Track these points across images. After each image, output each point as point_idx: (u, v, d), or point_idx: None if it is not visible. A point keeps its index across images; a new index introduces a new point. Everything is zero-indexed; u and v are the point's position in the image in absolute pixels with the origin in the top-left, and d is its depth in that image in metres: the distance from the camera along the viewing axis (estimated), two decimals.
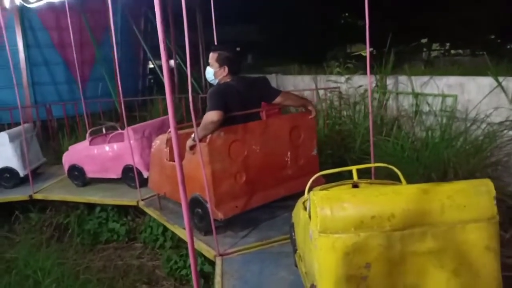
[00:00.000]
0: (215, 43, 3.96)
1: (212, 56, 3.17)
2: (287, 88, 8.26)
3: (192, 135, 2.94)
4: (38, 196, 4.82)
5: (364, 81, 5.76)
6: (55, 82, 8.92)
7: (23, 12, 8.11)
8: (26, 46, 8.32)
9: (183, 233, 3.37)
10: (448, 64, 9.15)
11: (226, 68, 3.14)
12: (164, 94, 7.67)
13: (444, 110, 4.56)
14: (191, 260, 1.67)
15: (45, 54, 8.74)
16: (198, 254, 3.23)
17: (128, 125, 4.38)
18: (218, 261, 2.77)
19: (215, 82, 3.23)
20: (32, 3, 7.85)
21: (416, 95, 5.01)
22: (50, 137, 7.49)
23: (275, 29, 18.86)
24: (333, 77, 6.52)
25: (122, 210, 4.61)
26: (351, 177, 2.18)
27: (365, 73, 6.08)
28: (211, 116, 2.85)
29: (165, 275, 3.83)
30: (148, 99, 9.21)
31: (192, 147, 3.03)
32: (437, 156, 3.77)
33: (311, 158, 3.46)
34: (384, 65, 5.43)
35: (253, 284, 2.48)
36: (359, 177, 2.16)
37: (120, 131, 4.96)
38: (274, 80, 9.29)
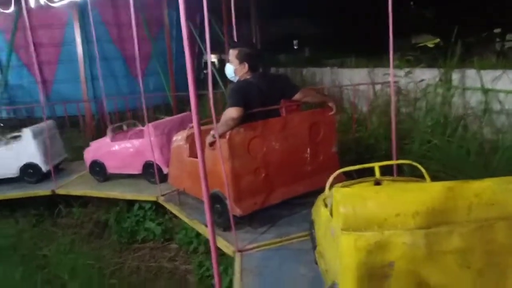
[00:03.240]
0: (235, 40, 3.96)
1: (232, 53, 3.17)
2: (343, 82, 7.77)
3: (212, 132, 2.95)
4: (61, 191, 4.92)
5: (427, 75, 5.23)
6: (113, 76, 9.06)
7: (82, 7, 8.21)
8: (85, 41, 8.45)
9: (203, 229, 3.40)
10: None
11: (246, 65, 3.13)
12: (215, 88, 7.62)
13: None
14: (212, 257, 1.67)
15: (104, 49, 8.79)
16: (230, 267, 3.19)
17: None
18: (237, 257, 2.77)
19: (235, 79, 3.23)
20: (56, 2, 8.01)
21: (485, 91, 4.42)
22: (102, 130, 7.70)
23: (334, 20, 17.96)
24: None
25: (160, 208, 4.56)
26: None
27: (427, 66, 5.55)
28: (231, 112, 2.86)
29: (196, 281, 3.76)
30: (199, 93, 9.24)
31: (212, 143, 3.04)
32: (509, 163, 3.36)
33: (331, 155, 3.43)
34: (450, 57, 4.90)
35: (272, 280, 2.48)
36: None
37: (141, 127, 5.02)
38: (329, 73, 8.91)
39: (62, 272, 3.71)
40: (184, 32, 1.40)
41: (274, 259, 2.70)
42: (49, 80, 8.85)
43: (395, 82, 5.68)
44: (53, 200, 5.12)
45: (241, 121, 2.89)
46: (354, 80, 7.16)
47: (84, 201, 5.09)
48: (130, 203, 4.73)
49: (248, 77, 3.15)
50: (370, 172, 2.20)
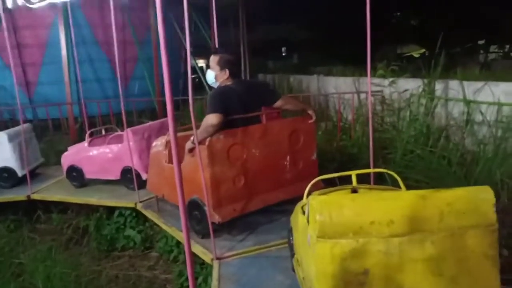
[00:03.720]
0: (216, 46, 3.96)
1: (213, 59, 3.17)
2: (329, 90, 7.90)
3: (192, 138, 2.94)
4: (36, 197, 4.80)
5: (411, 85, 5.28)
6: (99, 79, 8.92)
7: (67, 9, 8.02)
8: (71, 43, 8.16)
9: (181, 236, 3.36)
10: (507, 68, 8.07)
11: (227, 71, 3.13)
12: (202, 93, 7.54)
13: (499, 121, 4.01)
14: (187, 263, 1.65)
15: (89, 51, 8.68)
16: (210, 277, 3.14)
17: None
18: (215, 265, 2.75)
19: (216, 85, 3.23)
20: (34, 3, 7.88)
21: (468, 103, 4.42)
22: (84, 134, 7.58)
23: (322, 28, 18.14)
24: (376, 80, 5.94)
25: (141, 216, 4.43)
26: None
27: (411, 76, 5.65)
28: (211, 119, 2.85)
29: None
30: (181, 99, 9.01)
31: (191, 150, 3.02)
32: (489, 175, 3.35)
33: (310, 163, 3.45)
34: (433, 67, 4.93)
35: None
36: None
37: (119, 132, 4.95)
38: (315, 81, 9.00)
39: (37, 281, 3.60)
40: (161, 36, 1.39)
41: (252, 267, 2.69)
42: (32, 82, 8.69)
43: (379, 91, 5.81)
44: (32, 205, 4.98)
45: (221, 127, 2.89)
46: (340, 88, 7.22)
47: (64, 206, 4.96)
48: (110, 209, 4.62)
49: (228, 83, 3.15)
50: (350, 180, 2.22)
